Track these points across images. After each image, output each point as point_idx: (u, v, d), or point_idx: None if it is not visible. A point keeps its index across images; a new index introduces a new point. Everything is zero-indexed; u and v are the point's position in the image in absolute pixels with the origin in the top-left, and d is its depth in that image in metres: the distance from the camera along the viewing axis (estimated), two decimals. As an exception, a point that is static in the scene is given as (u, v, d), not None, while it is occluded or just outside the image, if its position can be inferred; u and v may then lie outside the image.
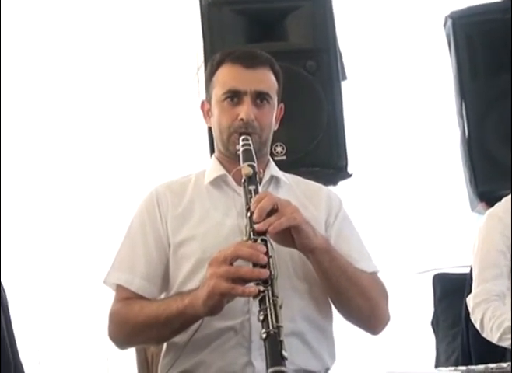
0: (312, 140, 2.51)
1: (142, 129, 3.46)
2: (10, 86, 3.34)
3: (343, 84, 2.62)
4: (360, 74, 3.02)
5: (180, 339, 1.66)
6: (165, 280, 1.76)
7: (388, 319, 1.75)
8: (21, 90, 3.41)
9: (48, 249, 3.37)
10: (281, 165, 1.92)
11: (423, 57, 3.30)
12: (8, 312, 2.29)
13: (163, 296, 1.77)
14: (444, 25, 2.78)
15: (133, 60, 3.44)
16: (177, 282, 1.73)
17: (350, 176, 2.59)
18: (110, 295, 1.78)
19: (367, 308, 1.70)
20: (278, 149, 2.45)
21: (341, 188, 2.59)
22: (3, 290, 2.31)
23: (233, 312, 1.63)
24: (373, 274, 1.78)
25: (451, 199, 3.15)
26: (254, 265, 1.48)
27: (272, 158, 1.89)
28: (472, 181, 2.67)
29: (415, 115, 3.39)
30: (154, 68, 3.44)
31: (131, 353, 2.09)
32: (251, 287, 1.45)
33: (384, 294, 1.75)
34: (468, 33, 2.65)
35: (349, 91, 2.66)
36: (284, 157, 2.47)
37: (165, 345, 1.75)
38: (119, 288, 1.75)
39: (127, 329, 1.69)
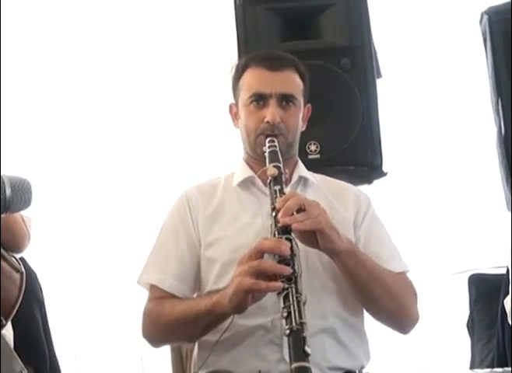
0: (346, 138, 2.48)
1: (176, 131, 3.48)
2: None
3: (378, 82, 2.59)
4: (395, 71, 2.99)
5: (211, 337, 1.68)
6: (197, 280, 1.79)
7: (418, 319, 1.74)
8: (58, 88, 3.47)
9: (85, 249, 3.41)
10: (315, 164, 1.91)
11: (459, 54, 3.25)
12: (45, 308, 2.34)
13: (195, 296, 1.79)
14: (480, 21, 2.73)
15: (167, 61, 3.46)
16: (209, 282, 1.75)
17: (385, 174, 2.56)
18: (145, 294, 1.81)
19: (395, 309, 1.69)
20: (313, 148, 2.43)
21: (376, 187, 2.57)
22: (40, 286, 2.35)
23: (264, 311, 1.64)
24: (402, 274, 1.77)
25: (487, 198, 3.10)
26: (280, 263, 1.48)
27: (306, 157, 1.90)
28: (509, 180, 2.62)
29: (451, 113, 3.34)
30: (188, 69, 3.45)
31: (165, 350, 2.11)
32: (275, 282, 1.44)
33: (413, 294, 1.75)
34: (504, 30, 2.60)
35: (384, 89, 2.63)
36: (318, 155, 2.44)
37: (197, 343, 1.77)
38: (152, 288, 1.78)
39: (159, 327, 1.72)
